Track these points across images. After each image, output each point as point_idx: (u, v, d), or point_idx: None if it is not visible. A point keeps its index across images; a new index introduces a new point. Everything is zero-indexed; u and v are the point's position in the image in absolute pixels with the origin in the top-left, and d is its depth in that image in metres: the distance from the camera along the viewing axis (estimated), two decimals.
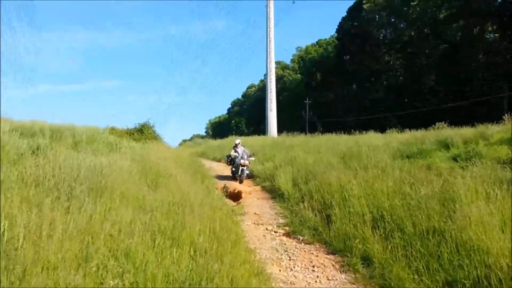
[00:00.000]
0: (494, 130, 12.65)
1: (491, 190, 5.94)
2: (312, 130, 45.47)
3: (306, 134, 29.29)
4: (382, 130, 21.90)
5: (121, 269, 3.39)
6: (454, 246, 4.74)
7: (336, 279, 5.25)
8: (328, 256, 6.15)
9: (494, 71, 35.96)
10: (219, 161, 21.98)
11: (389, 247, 5.39)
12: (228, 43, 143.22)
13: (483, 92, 35.19)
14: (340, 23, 53.87)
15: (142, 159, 10.08)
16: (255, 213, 9.40)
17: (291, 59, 72.59)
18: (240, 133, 55.33)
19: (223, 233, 5.17)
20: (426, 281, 4.44)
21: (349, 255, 5.82)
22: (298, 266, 5.78)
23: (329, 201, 8.11)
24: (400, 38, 47.92)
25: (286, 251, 6.52)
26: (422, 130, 17.24)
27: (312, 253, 6.33)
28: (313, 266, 5.73)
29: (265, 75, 43.27)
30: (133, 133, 17.53)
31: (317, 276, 5.37)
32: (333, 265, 5.78)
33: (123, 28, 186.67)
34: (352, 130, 22.98)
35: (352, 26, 51.82)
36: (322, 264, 5.82)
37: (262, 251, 6.45)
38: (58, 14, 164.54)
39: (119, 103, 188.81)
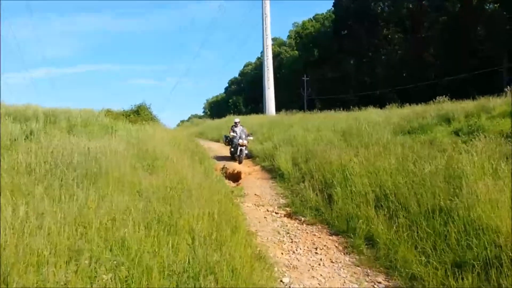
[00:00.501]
0: (495, 103, 12.40)
1: (498, 165, 5.76)
2: (311, 107, 45.18)
3: (304, 112, 28.98)
4: (382, 105, 21.62)
5: (115, 262, 3.21)
6: (462, 225, 4.57)
7: (340, 261, 5.12)
8: (331, 237, 6.01)
9: (494, 42, 35.39)
10: (217, 141, 21.75)
11: (394, 227, 5.24)
12: (224, 22, 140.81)
13: (484, 65, 34.70)
14: None
15: (138, 141, 9.85)
16: (255, 194, 9.25)
17: (288, 35, 71.34)
18: (238, 112, 54.93)
19: (223, 217, 5.00)
20: (434, 262, 4.28)
21: (352, 236, 5.67)
22: (300, 248, 5.64)
23: (330, 180, 7.96)
24: (398, 12, 47.00)
25: (288, 233, 6.38)
26: (422, 104, 16.96)
27: (315, 235, 6.19)
28: (316, 248, 5.59)
29: (262, 52, 42.62)
30: (129, 115, 17.20)
31: (320, 259, 5.23)
32: (336, 246, 5.64)
33: (120, 11, 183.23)
34: (352, 106, 22.72)
35: (349, 0, 50.74)
36: (325, 246, 5.68)
37: (263, 233, 6.31)
38: None
39: (117, 87, 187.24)
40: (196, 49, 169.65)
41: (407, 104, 19.20)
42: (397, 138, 10.16)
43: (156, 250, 3.51)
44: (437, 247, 4.53)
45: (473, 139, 9.58)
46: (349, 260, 5.17)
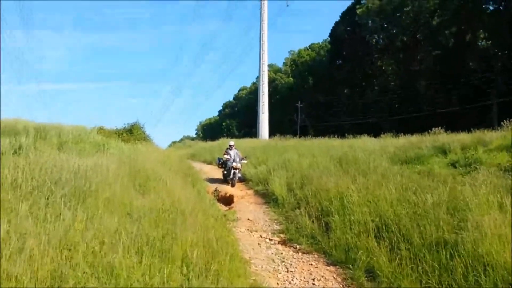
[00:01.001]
0: (492, 136, 12.39)
1: (502, 199, 5.60)
2: (304, 133, 45.28)
3: (297, 137, 28.90)
4: (374, 134, 21.63)
5: None
6: (470, 260, 4.35)
7: None
8: (328, 268, 5.74)
9: (485, 77, 36.05)
10: (209, 163, 21.47)
11: (396, 260, 5.00)
12: (221, 45, 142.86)
13: (474, 98, 35.17)
14: (333, 27, 53.75)
15: (130, 160, 9.57)
16: (248, 219, 8.98)
17: (284, 63, 72.26)
18: (231, 136, 54.67)
19: (218, 244, 4.73)
20: None
21: (351, 267, 5.41)
22: (297, 278, 5.36)
23: (327, 207, 7.73)
24: (392, 44, 47.92)
25: (283, 261, 6.10)
26: (417, 135, 16.92)
27: (311, 264, 5.92)
28: (313, 279, 5.32)
29: (258, 77, 42.90)
30: (122, 134, 16.96)
31: None
32: (334, 277, 5.37)
33: (115, 28, 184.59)
34: (346, 134, 22.70)
35: (345, 31, 51.73)
36: (322, 276, 5.41)
37: (257, 261, 6.02)
38: (49, 13, 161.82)
39: (109, 104, 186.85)
40: (191, 69, 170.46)
41: (401, 133, 19.18)
42: (394, 168, 10.02)
43: (147, 280, 3.24)
44: (443, 282, 4.30)
45: (471, 172, 9.60)
46: None
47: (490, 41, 38.16)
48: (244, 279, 4.30)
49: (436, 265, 4.59)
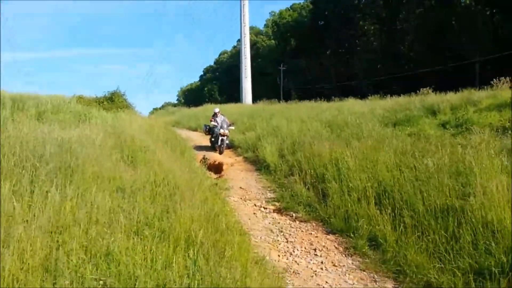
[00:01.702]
0: (480, 96, 12.31)
1: (507, 161, 5.49)
2: (287, 97, 44.86)
3: (281, 102, 28.57)
4: (358, 96, 21.45)
5: (102, 282, 2.68)
6: (480, 227, 4.24)
7: (343, 265, 4.73)
8: (328, 237, 5.62)
9: (467, 36, 35.90)
10: (195, 130, 21.08)
11: (400, 228, 4.88)
12: (200, 8, 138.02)
13: (457, 58, 35.14)
14: None
15: (115, 130, 9.16)
16: (240, 187, 8.78)
17: (265, 24, 70.52)
18: (214, 101, 53.74)
19: (219, 219, 4.50)
20: (451, 268, 3.95)
21: (353, 236, 5.29)
22: (297, 249, 5.22)
23: (322, 174, 7.59)
24: (375, 3, 47.05)
25: (281, 231, 5.95)
26: (405, 96, 16.80)
27: (311, 234, 5.79)
28: (315, 250, 5.19)
29: (239, 40, 41.86)
30: (103, 102, 16.26)
31: (322, 262, 4.83)
32: (336, 247, 5.25)
33: None
34: (332, 97, 22.48)
35: None
36: (323, 246, 5.28)
37: (255, 232, 5.85)
38: None
39: (88, 72, 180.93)
40: (170, 34, 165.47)
41: (388, 95, 19.04)
42: (387, 131, 9.88)
43: (150, 264, 2.99)
44: (451, 251, 4.19)
45: (463, 132, 9.54)
46: (352, 263, 4.78)
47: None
48: (248, 253, 4.11)
49: (443, 233, 4.48)
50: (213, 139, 13.57)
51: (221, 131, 13.01)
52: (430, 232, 4.59)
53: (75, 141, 6.55)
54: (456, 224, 4.49)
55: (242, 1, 36.61)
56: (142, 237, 3.45)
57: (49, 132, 7.09)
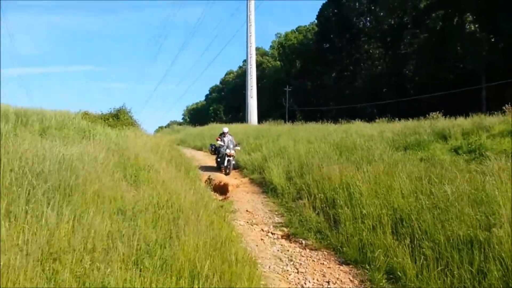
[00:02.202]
0: (492, 121, 12.02)
1: None
2: (291, 118, 44.74)
3: (286, 122, 28.33)
4: (364, 119, 21.19)
5: None
6: (510, 262, 3.88)
7: None
8: (341, 268, 5.25)
9: (473, 62, 35.87)
10: (200, 149, 20.84)
11: (421, 260, 4.51)
12: (206, 29, 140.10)
13: (462, 83, 34.99)
14: (320, 9, 52.82)
15: (119, 148, 8.90)
16: (246, 210, 8.46)
17: (271, 46, 71.15)
18: (219, 120, 53.83)
19: (226, 247, 4.17)
20: None
21: (368, 268, 4.92)
22: (309, 281, 4.85)
23: (332, 198, 7.25)
24: (380, 27, 47.37)
25: (291, 260, 5.59)
26: (411, 120, 16.49)
27: (322, 264, 5.42)
28: (328, 282, 4.82)
29: (245, 61, 42.04)
30: (108, 118, 16.08)
31: None
32: (351, 280, 4.87)
33: (99, 12, 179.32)
34: (336, 118, 22.21)
35: (332, 13, 50.95)
36: (337, 279, 4.91)
37: (263, 260, 5.50)
38: None
39: (94, 89, 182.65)
40: (176, 53, 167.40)
41: (394, 118, 18.75)
42: (398, 155, 9.57)
43: None
44: None
45: (476, 158, 9.22)
46: None
47: (477, 24, 37.78)
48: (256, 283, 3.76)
49: (468, 267, 4.12)
50: (219, 160, 13.22)
51: (228, 151, 12.73)
52: (453, 266, 4.22)
53: (77, 158, 6.29)
54: (482, 257, 4.13)
55: (248, 22, 36.85)
56: (142, 267, 3.13)
57: (50, 148, 6.82)
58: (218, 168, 13.09)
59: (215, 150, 13.64)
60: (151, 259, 3.31)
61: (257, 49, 61.67)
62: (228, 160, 12.63)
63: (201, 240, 3.95)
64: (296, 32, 63.21)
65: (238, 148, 13.76)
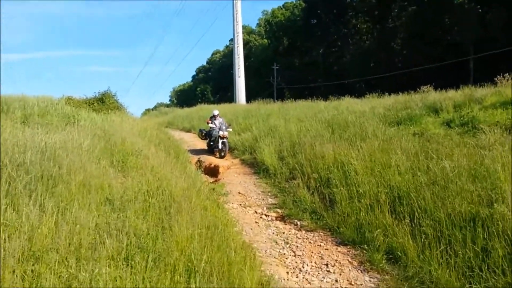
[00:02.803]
0: (483, 93, 11.90)
1: None
2: (280, 96, 44.39)
3: (274, 101, 28.04)
4: (351, 94, 21.00)
5: None
6: None
7: (361, 283, 4.23)
8: (339, 249, 5.13)
9: (461, 34, 35.73)
10: (188, 131, 20.50)
11: (422, 239, 4.39)
12: (192, 9, 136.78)
13: (450, 55, 34.88)
14: None
15: (105, 133, 8.60)
16: (239, 193, 8.28)
17: (257, 23, 70.07)
18: (206, 101, 53.15)
19: (223, 237, 3.98)
20: (484, 287, 3.48)
21: (367, 249, 4.80)
22: (307, 265, 4.72)
23: (326, 177, 7.11)
24: (367, 1, 46.77)
25: (287, 243, 5.46)
26: (401, 94, 16.34)
27: (319, 245, 5.29)
28: (326, 265, 4.69)
29: (231, 40, 41.29)
30: (93, 103, 15.63)
31: (336, 280, 4.33)
32: (349, 261, 4.75)
33: None
34: (324, 95, 22.00)
35: None
36: (336, 261, 4.78)
37: (259, 244, 5.35)
38: None
39: (79, 74, 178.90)
40: (160, 35, 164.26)
41: (385, 93, 18.58)
42: (391, 130, 9.43)
43: None
44: (484, 268, 3.72)
45: (469, 131, 9.12)
46: (370, 280, 4.29)
47: None
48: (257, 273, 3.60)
49: (471, 246, 4.01)
50: (212, 143, 12.78)
51: (221, 133, 12.29)
52: (456, 245, 4.11)
53: (60, 146, 6.00)
54: (486, 235, 4.02)
55: None
56: (133, 264, 2.93)
57: (32, 136, 6.52)
58: (211, 151, 12.70)
59: (206, 135, 13.19)
60: (142, 254, 3.12)
61: (244, 27, 60.65)
62: (223, 142, 12.24)
63: (195, 229, 3.76)
64: (283, 9, 62.16)
65: (230, 129, 13.27)
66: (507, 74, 12.00)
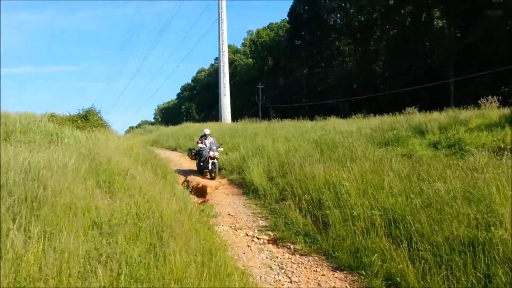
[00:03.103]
0: (468, 115, 12.08)
1: None
2: (265, 115, 44.57)
3: (260, 120, 28.07)
4: (335, 115, 21.24)
5: None
6: None
7: None
8: (336, 274, 4.98)
9: (440, 57, 36.72)
10: (174, 150, 20.25)
11: (421, 265, 4.29)
12: (177, 26, 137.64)
13: (431, 78, 35.66)
14: (291, 6, 52.82)
15: (90, 152, 8.35)
16: (228, 214, 8.10)
17: (242, 43, 70.93)
18: (191, 119, 52.94)
19: (213, 260, 3.81)
20: None
21: (364, 274, 4.67)
22: None
23: (318, 199, 7.00)
24: (350, 24, 47.87)
25: (282, 268, 5.28)
26: (386, 115, 16.52)
27: (316, 271, 5.13)
28: None
29: (217, 58, 41.49)
30: (77, 120, 15.32)
31: None
32: None
33: (66, 10, 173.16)
34: (313, 115, 22.13)
35: (303, 10, 51.07)
36: (333, 287, 4.63)
37: (253, 269, 5.16)
38: None
39: (62, 90, 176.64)
40: (146, 52, 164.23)
41: (368, 114, 18.75)
42: (381, 151, 9.44)
43: None
44: None
45: (457, 153, 9.19)
46: None
47: (444, 20, 38.67)
48: None
49: (471, 271, 3.93)
50: (201, 164, 12.25)
51: (211, 153, 11.80)
52: (456, 270, 4.02)
53: (44, 165, 5.76)
54: (487, 260, 3.95)
55: (220, 19, 36.30)
56: None
57: (15, 155, 6.26)
58: (201, 172, 12.28)
59: (196, 154, 12.76)
60: (136, 284, 2.92)
61: (229, 46, 61.13)
62: (213, 163, 11.74)
63: (190, 256, 3.58)
64: (268, 29, 63.12)
65: (221, 149, 12.85)
66: (489, 97, 12.25)
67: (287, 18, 55.47)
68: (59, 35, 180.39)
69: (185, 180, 11.25)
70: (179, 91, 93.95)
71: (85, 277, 2.85)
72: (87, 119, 15.45)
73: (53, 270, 2.79)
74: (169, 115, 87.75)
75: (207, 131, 12.80)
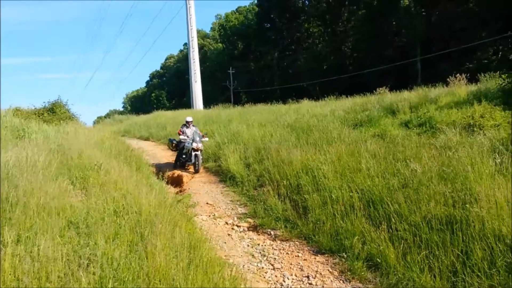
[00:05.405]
0: (437, 93, 12.34)
1: (498, 163, 5.19)
2: (237, 101, 44.35)
3: (233, 105, 27.90)
4: (307, 97, 21.32)
5: None
6: (494, 241, 3.82)
7: None
8: (317, 258, 5.02)
9: (407, 36, 37.33)
10: (146, 139, 19.90)
11: (402, 245, 4.37)
12: (144, 13, 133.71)
13: (398, 56, 36.25)
14: None
15: (60, 147, 8.06)
16: (207, 203, 8.03)
17: (211, 28, 69.86)
18: (162, 107, 52.17)
19: (197, 253, 3.75)
20: None
21: (345, 256, 4.73)
22: (288, 278, 4.57)
23: (296, 184, 7.03)
24: (319, 5, 47.85)
25: (264, 255, 5.28)
26: (357, 96, 16.71)
27: (297, 256, 5.17)
28: (308, 277, 4.56)
29: (185, 44, 40.77)
30: (43, 113, 14.79)
31: None
32: (330, 271, 4.64)
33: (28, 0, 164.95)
34: (285, 99, 22.14)
35: None
36: (316, 272, 4.66)
37: (235, 258, 5.15)
38: None
39: (23, 82, 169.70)
40: (112, 39, 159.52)
41: (339, 96, 18.89)
42: (356, 133, 9.55)
43: None
44: (467, 272, 3.74)
45: (428, 131, 9.40)
46: None
47: None
48: None
49: (450, 249, 4.03)
50: (183, 156, 11.48)
51: (194, 145, 10.90)
52: (436, 249, 4.12)
53: (13, 164, 5.52)
54: (464, 237, 4.06)
55: (188, 2, 35.50)
56: None
57: None
58: (182, 166, 11.60)
59: (177, 146, 12.05)
60: (120, 286, 2.83)
61: (198, 31, 60.06)
62: (196, 155, 10.89)
63: (173, 252, 3.51)
64: (237, 13, 62.33)
65: (206, 139, 11.96)
66: (458, 74, 12.55)
67: (256, 1, 54.92)
68: (20, 26, 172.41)
69: (160, 170, 11.03)
70: (148, 78, 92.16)
71: (66, 282, 2.74)
72: (54, 112, 14.95)
73: (31, 277, 2.68)
74: (139, 103, 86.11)
75: (189, 119, 12.10)
